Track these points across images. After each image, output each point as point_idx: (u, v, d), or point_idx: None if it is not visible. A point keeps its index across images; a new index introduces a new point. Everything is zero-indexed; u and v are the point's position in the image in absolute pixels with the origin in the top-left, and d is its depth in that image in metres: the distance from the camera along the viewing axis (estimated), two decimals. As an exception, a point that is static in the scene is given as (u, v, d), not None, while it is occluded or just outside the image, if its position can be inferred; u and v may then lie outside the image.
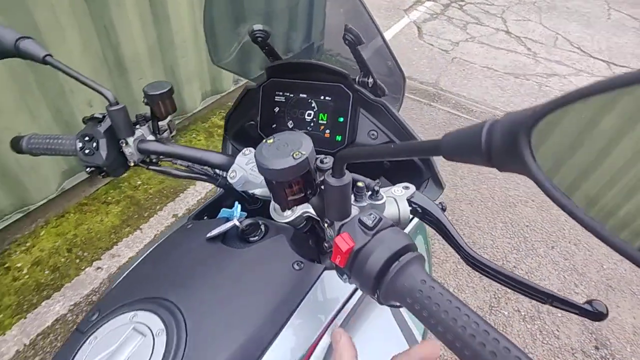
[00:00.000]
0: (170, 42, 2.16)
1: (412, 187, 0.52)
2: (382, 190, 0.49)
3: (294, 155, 0.40)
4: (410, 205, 0.50)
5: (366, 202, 0.45)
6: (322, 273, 0.52)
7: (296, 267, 0.50)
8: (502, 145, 0.21)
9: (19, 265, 1.74)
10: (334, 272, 0.54)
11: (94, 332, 0.43)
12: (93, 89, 0.54)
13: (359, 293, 0.53)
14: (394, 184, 0.71)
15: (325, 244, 0.45)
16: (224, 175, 0.66)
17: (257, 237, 0.56)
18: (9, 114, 1.45)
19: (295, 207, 0.63)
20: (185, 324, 0.42)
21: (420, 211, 0.51)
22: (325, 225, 0.45)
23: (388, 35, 4.34)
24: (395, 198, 0.49)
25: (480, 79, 3.47)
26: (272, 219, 0.61)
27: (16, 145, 0.65)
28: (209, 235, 0.54)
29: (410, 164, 0.67)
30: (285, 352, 0.43)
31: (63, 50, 1.56)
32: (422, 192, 0.64)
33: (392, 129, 0.67)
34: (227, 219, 0.58)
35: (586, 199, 0.21)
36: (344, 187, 0.39)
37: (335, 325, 0.48)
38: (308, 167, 0.41)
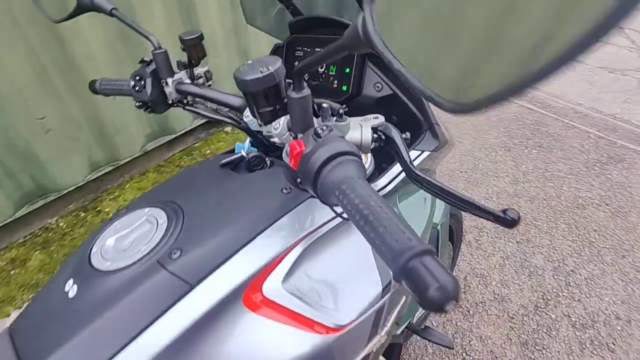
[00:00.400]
0: (244, 27, 2.36)
1: (381, 118, 0.55)
2: (353, 118, 0.54)
3: (262, 69, 0.48)
4: (376, 133, 0.53)
5: (330, 123, 0.51)
6: (306, 199, 0.57)
7: (284, 191, 0.57)
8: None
9: (107, 210, 2.08)
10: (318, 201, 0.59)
11: (119, 219, 0.56)
12: (143, 35, 0.67)
13: (337, 220, 0.57)
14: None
15: None
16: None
17: (260, 169, 0.64)
18: (100, 61, 1.75)
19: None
20: (183, 219, 0.53)
21: (384, 138, 0.54)
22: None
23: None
24: (361, 124, 0.54)
25: (565, 74, 3.14)
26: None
27: (92, 87, 0.81)
28: (221, 162, 0.64)
29: (410, 116, 0.69)
30: (257, 254, 0.49)
31: (150, 26, 1.81)
32: (420, 143, 0.67)
33: (394, 81, 0.70)
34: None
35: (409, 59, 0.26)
36: (304, 99, 0.46)
37: (308, 242, 0.53)
38: (274, 82, 0.48)
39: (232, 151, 0.75)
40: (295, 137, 0.50)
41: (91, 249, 0.52)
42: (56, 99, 1.70)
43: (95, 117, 1.87)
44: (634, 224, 1.94)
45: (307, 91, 0.46)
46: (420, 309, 1.04)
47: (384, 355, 0.82)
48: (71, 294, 0.47)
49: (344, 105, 0.53)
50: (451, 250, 1.40)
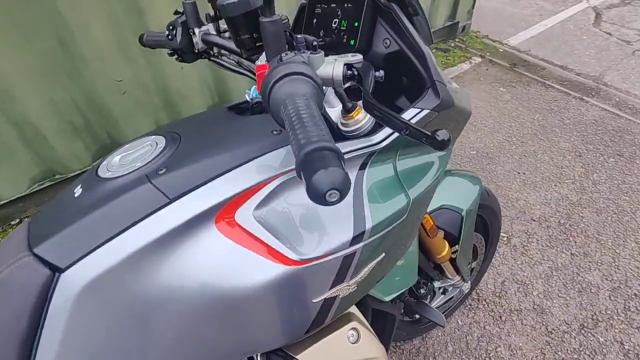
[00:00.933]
0: None
1: (359, 56, 0.54)
2: (331, 56, 0.54)
3: None
4: (350, 70, 0.52)
5: (305, 54, 0.51)
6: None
7: (274, 132, 0.59)
8: None
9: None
10: None
11: (130, 143, 0.62)
12: None
13: None
14: (395, 93, 0.71)
15: None
16: None
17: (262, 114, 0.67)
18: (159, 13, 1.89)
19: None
20: (179, 145, 0.58)
21: (356, 75, 0.53)
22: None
23: (554, 20, 3.77)
24: (336, 59, 0.53)
25: (667, 77, 2.72)
26: None
27: (141, 40, 0.91)
28: (227, 106, 0.68)
29: (415, 74, 0.66)
30: (236, 182, 0.52)
31: None
32: (420, 101, 0.64)
33: (402, 37, 0.67)
34: None
35: None
36: (275, 24, 0.47)
37: (286, 178, 0.54)
38: (250, 7, 0.50)
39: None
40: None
41: (101, 163, 0.59)
42: (132, 64, 1.90)
43: (163, 84, 2.06)
44: None
45: (277, 17, 0.48)
46: (417, 284, 0.99)
47: (377, 324, 0.80)
48: (76, 194, 0.55)
49: (320, 39, 0.53)
50: (483, 245, 1.31)
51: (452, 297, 1.32)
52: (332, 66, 0.52)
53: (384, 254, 0.63)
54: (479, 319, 1.48)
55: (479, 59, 3.20)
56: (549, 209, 1.90)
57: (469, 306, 1.52)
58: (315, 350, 0.63)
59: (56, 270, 0.45)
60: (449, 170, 1.14)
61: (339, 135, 0.65)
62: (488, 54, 3.27)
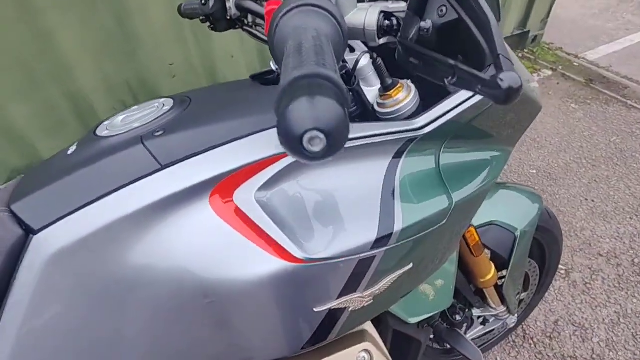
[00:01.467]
0: None
1: (401, 4, 0.43)
2: (368, 2, 0.43)
3: None
4: (388, 19, 0.41)
5: None
6: None
7: None
8: None
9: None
10: None
11: (137, 106, 0.57)
12: None
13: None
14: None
15: None
16: None
17: None
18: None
19: None
20: (187, 108, 0.51)
21: (395, 26, 0.41)
22: None
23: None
24: (372, 5, 0.42)
25: None
26: None
27: (179, 10, 0.87)
28: (251, 75, 0.61)
29: (475, 47, 0.53)
30: (238, 154, 0.44)
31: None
32: None
33: (463, 3, 0.55)
34: None
35: None
36: None
37: None
38: None
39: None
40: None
41: (102, 122, 0.54)
42: (183, 48, 1.92)
43: (212, 70, 2.06)
44: None
45: None
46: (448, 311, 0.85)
47: (397, 350, 0.68)
48: (69, 152, 0.50)
49: None
50: (537, 274, 1.12)
51: (493, 330, 1.14)
52: (366, 13, 0.41)
53: (411, 265, 0.51)
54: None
55: (550, 72, 2.90)
56: (621, 245, 1.63)
57: (512, 343, 1.33)
58: None
59: (30, 232, 0.40)
60: (505, 183, 0.98)
61: (373, 117, 0.54)
62: (561, 67, 2.96)
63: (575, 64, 3.01)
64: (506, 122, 0.59)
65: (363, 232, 0.45)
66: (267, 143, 0.44)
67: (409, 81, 0.54)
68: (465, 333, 1.02)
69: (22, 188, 0.46)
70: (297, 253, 0.42)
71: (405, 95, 0.52)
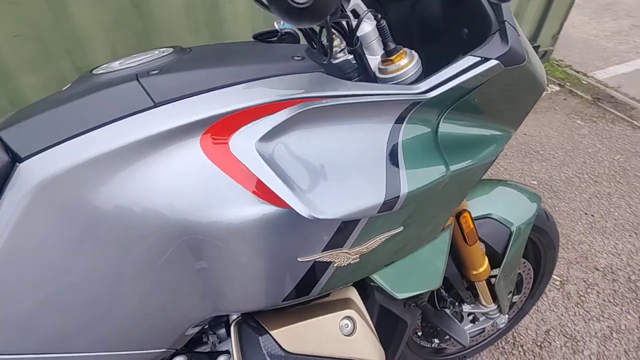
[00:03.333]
0: None
1: None
2: None
3: None
4: None
5: None
6: (317, 71, 0.49)
7: (296, 58, 0.50)
8: None
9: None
10: (327, 78, 0.50)
11: (138, 53, 0.56)
12: None
13: (352, 99, 0.46)
14: (454, 36, 0.58)
15: None
16: None
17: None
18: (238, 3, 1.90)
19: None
20: (186, 55, 0.52)
21: None
22: None
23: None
24: None
25: None
26: None
27: None
28: (254, 34, 0.61)
29: (480, 16, 0.53)
30: (235, 98, 0.44)
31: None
32: (483, 47, 0.51)
33: None
34: None
35: None
36: None
37: (304, 108, 0.43)
38: None
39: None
40: None
41: (99, 66, 0.54)
42: (196, 34, 1.94)
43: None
44: None
45: None
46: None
47: (382, 329, 0.66)
48: (64, 89, 0.50)
49: None
50: (531, 277, 1.11)
51: (483, 331, 1.12)
52: None
53: (401, 228, 0.50)
54: (511, 367, 1.26)
55: (557, 88, 2.91)
56: (619, 261, 1.61)
57: (500, 349, 1.31)
58: (296, 330, 0.52)
59: (16, 159, 0.40)
60: (506, 180, 0.98)
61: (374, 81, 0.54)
62: (569, 84, 2.96)
63: (583, 81, 3.01)
64: (508, 99, 0.58)
65: (371, 194, 0.44)
66: (265, 90, 0.44)
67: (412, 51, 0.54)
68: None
69: (13, 118, 0.46)
70: (304, 211, 0.40)
71: (408, 61, 0.51)
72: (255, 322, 0.52)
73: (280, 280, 0.48)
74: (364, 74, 0.55)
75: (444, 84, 0.49)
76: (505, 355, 1.30)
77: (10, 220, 0.39)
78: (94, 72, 0.51)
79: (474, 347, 1.22)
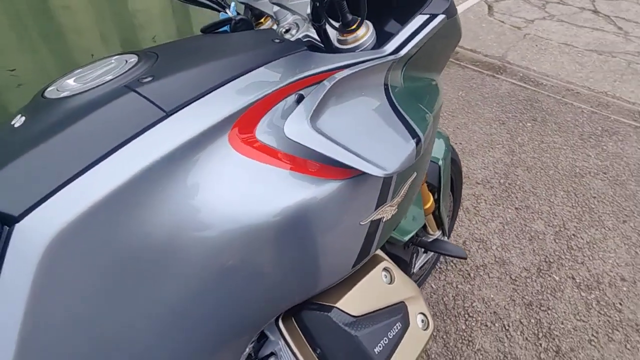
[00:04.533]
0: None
1: None
2: None
3: None
4: None
5: None
6: (302, 50, 0.49)
7: (276, 40, 0.49)
8: None
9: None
10: (315, 55, 0.50)
11: (82, 67, 0.46)
12: None
13: (359, 66, 0.48)
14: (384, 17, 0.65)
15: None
16: None
17: None
18: None
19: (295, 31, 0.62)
20: (157, 58, 0.44)
21: None
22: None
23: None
24: None
25: (555, 55, 3.14)
26: None
27: None
28: (202, 27, 0.55)
29: None
30: (248, 89, 0.41)
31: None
32: (429, 4, 0.58)
33: None
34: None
35: None
36: None
37: (334, 79, 0.43)
38: None
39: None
40: None
41: (47, 88, 0.42)
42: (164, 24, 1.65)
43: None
44: (633, 192, 1.90)
45: None
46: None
47: None
48: (17, 125, 0.38)
49: None
50: (452, 200, 1.32)
51: (429, 258, 1.29)
52: None
53: (415, 173, 0.55)
54: (450, 279, 1.49)
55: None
56: (489, 172, 2.02)
57: (439, 269, 1.53)
58: (353, 295, 0.53)
59: (7, 222, 0.30)
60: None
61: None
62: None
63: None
64: (442, 48, 0.67)
65: (405, 145, 0.46)
66: (271, 75, 0.42)
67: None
68: (415, 264, 1.13)
69: None
70: (377, 172, 0.40)
71: (365, 31, 0.55)
72: (314, 305, 0.51)
73: (349, 248, 0.48)
74: (326, 47, 0.56)
75: (408, 43, 0.54)
76: (444, 273, 1.52)
77: (21, 290, 0.29)
78: (48, 95, 0.39)
79: (422, 278, 1.40)
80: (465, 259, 1.10)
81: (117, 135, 0.34)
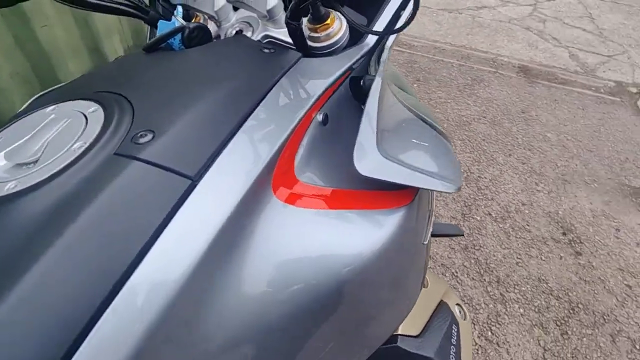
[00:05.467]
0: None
1: None
2: None
3: None
4: None
5: None
6: (298, 60, 0.41)
7: (266, 50, 0.40)
8: None
9: None
10: (314, 61, 0.43)
11: (3, 131, 0.30)
12: None
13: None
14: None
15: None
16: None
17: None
18: None
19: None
20: (130, 103, 0.31)
21: None
22: None
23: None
24: None
25: (417, 16, 3.46)
26: None
27: None
28: (145, 46, 0.41)
29: None
30: (269, 127, 0.33)
31: None
32: None
33: None
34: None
35: None
36: None
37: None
38: None
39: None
40: None
41: None
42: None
43: None
44: (508, 128, 2.24)
45: None
46: None
47: None
48: None
49: None
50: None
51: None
52: None
53: None
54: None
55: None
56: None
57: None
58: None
59: None
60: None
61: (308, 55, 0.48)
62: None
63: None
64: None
65: (450, 149, 0.44)
66: (286, 100, 0.34)
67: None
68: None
69: None
70: (451, 188, 0.36)
71: (339, 24, 0.48)
72: None
73: (418, 270, 0.46)
74: (300, 48, 0.48)
75: (389, 29, 0.48)
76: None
77: None
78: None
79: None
80: (463, 235, 1.14)
81: (145, 224, 0.23)
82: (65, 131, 0.28)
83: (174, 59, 0.39)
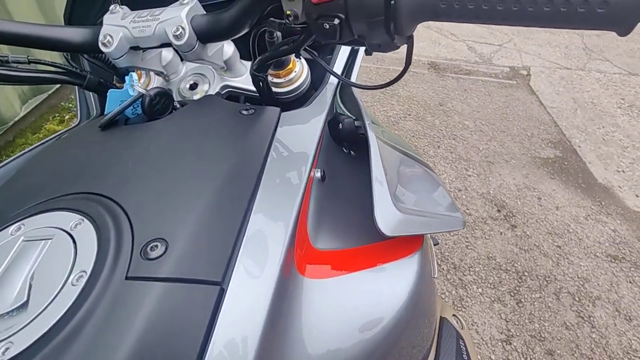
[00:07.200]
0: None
1: None
2: None
3: None
4: None
5: None
6: (278, 115, 0.40)
7: (245, 112, 0.38)
8: None
9: None
10: (294, 114, 0.41)
11: None
12: None
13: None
14: None
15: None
16: (97, 57, 0.46)
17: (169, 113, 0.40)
18: None
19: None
20: (123, 208, 0.26)
21: None
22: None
23: None
24: None
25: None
26: None
27: None
28: (101, 122, 0.36)
29: None
30: (276, 205, 0.31)
31: None
32: None
33: None
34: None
35: None
36: None
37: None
38: None
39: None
40: None
41: None
42: None
43: None
44: (431, 122, 2.42)
45: None
46: None
47: None
48: None
49: None
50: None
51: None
52: None
53: None
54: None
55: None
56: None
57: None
58: None
59: None
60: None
61: (272, 102, 0.47)
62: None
63: None
64: None
65: (438, 180, 0.47)
66: (283, 168, 0.32)
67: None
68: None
69: None
70: (460, 224, 0.40)
71: (300, 69, 0.48)
72: None
73: (433, 303, 0.47)
74: (265, 97, 0.46)
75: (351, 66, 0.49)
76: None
77: None
78: None
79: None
80: (464, 228, 1.16)
81: (188, 346, 0.21)
82: (51, 259, 0.23)
83: (145, 138, 0.34)
